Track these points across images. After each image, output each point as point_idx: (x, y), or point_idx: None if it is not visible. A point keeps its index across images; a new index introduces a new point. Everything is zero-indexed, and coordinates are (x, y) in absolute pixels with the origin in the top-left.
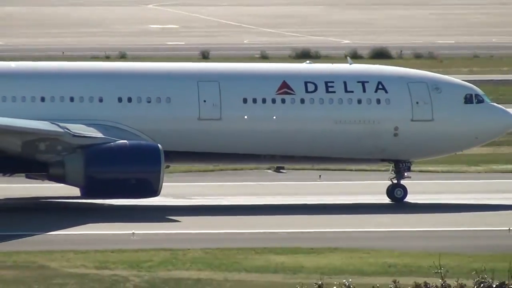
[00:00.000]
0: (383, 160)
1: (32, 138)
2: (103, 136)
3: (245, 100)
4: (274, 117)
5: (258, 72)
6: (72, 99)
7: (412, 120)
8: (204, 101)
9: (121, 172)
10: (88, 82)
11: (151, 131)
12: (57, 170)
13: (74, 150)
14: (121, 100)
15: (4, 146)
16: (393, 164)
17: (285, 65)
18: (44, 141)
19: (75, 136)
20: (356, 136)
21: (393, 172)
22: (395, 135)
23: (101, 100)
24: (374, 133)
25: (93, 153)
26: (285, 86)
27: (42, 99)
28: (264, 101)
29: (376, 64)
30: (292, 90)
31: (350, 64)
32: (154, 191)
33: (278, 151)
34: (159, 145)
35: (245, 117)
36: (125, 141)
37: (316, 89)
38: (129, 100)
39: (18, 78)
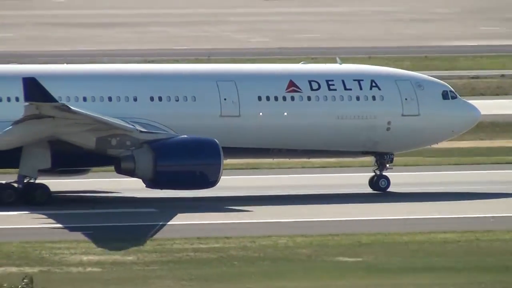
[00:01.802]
0: (364, 153)
1: (106, 133)
2: (164, 132)
3: (259, 98)
4: (285, 114)
5: (267, 72)
6: (110, 99)
7: (402, 115)
8: (225, 99)
9: (187, 165)
10: (125, 83)
11: (178, 127)
12: (128, 165)
13: (141, 145)
14: (153, 99)
15: (80, 141)
16: (376, 156)
17: (290, 65)
18: (116, 136)
19: (142, 132)
20: (355, 130)
21: (376, 164)
22: (388, 129)
23: (135, 99)
24: (370, 127)
25: (162, 148)
26: (292, 84)
27: (84, 99)
28: (276, 98)
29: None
30: (299, 88)
31: (340, 64)
32: (214, 182)
33: (285, 145)
34: (215, 140)
35: (260, 113)
36: (185, 136)
37: (319, 87)
38: (160, 99)
39: (65, 79)
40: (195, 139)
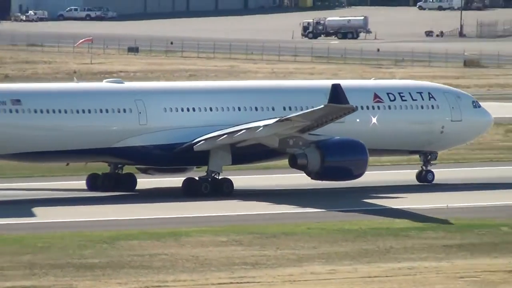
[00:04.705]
0: (411, 152)
1: (286, 135)
2: (321, 134)
3: (357, 107)
4: (374, 119)
5: (358, 86)
6: (228, 109)
7: (451, 121)
8: None
9: (346, 161)
10: (228, 97)
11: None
12: (303, 161)
13: (309, 145)
14: (257, 109)
15: (269, 142)
16: (421, 155)
17: (371, 81)
18: (293, 138)
19: (309, 134)
20: (420, 133)
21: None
22: (441, 132)
23: (239, 109)
24: (429, 131)
25: (327, 147)
26: (376, 96)
27: (216, 109)
28: (368, 108)
29: None
30: (382, 99)
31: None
32: (361, 174)
33: (372, 145)
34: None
35: (357, 120)
36: (338, 137)
37: (395, 99)
38: (261, 109)
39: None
40: (348, 139)
